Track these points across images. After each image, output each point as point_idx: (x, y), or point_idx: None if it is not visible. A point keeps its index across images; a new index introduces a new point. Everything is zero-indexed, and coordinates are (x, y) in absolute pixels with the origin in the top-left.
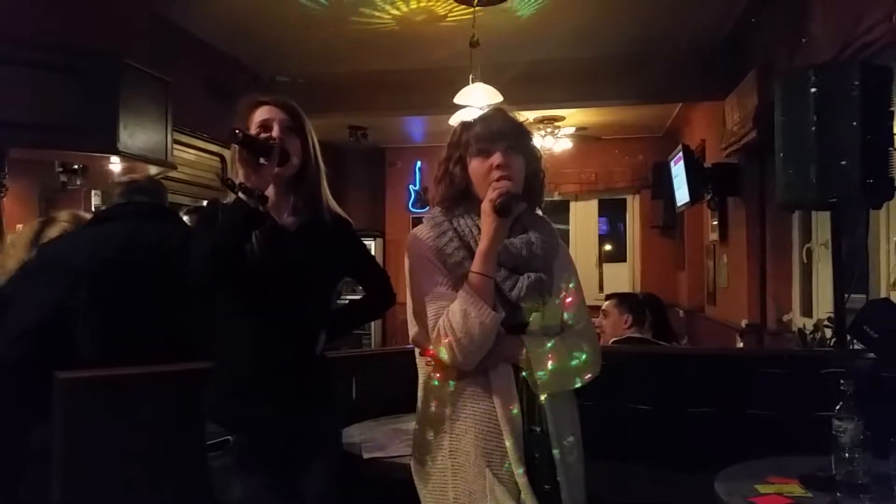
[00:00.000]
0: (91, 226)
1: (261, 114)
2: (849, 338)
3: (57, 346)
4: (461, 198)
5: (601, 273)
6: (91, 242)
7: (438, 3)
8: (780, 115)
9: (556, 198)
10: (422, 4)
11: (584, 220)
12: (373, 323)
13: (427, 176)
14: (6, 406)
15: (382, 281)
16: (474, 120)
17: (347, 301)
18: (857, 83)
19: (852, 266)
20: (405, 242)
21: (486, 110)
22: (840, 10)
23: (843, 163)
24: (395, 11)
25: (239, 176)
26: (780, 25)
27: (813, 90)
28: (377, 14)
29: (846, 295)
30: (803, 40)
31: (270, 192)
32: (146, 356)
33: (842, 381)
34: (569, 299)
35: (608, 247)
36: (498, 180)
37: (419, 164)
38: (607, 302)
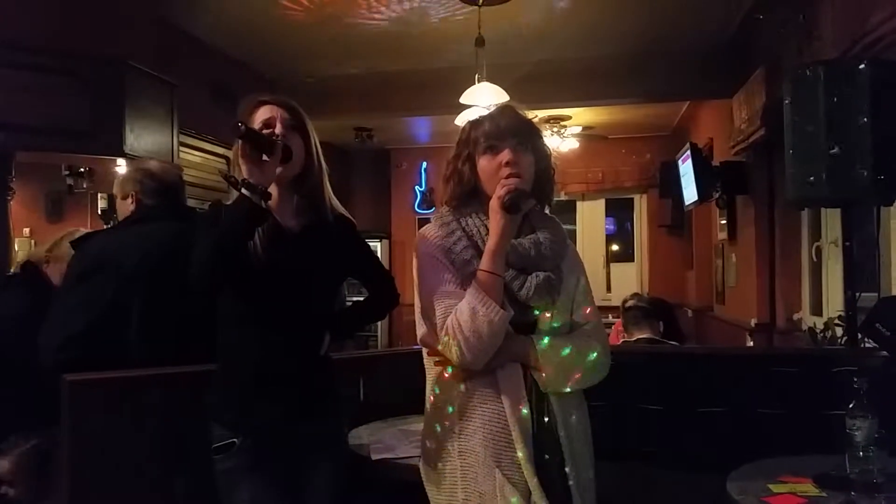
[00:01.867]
0: (134, 224)
1: (262, 113)
2: (860, 336)
3: (105, 348)
4: (469, 196)
5: (608, 273)
6: (138, 242)
7: (444, 3)
8: (789, 113)
9: (563, 197)
10: (427, 4)
11: (590, 219)
12: (379, 324)
13: (433, 177)
14: (49, 410)
15: (386, 281)
16: (483, 117)
17: (352, 302)
18: (866, 79)
19: (863, 264)
20: (412, 243)
21: (493, 109)
22: (848, 7)
23: (854, 160)
24: (399, 11)
25: (242, 172)
26: (788, 22)
27: (822, 87)
28: (381, 14)
29: (857, 293)
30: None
31: (274, 193)
32: (190, 358)
33: (855, 380)
34: (578, 299)
35: (615, 247)
36: (507, 178)
37: (425, 165)
38: None
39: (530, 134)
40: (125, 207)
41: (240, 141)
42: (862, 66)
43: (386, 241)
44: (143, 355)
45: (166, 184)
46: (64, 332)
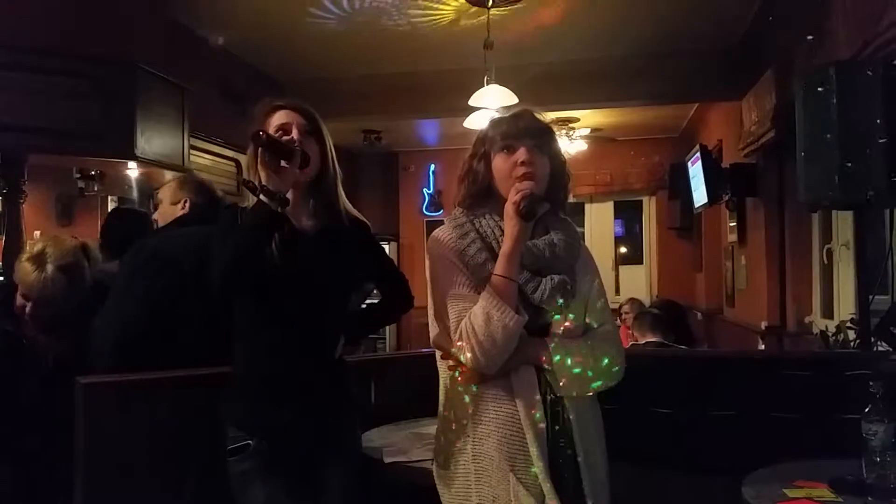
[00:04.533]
0: (191, 224)
1: (278, 118)
2: (873, 339)
3: (163, 346)
4: (483, 197)
5: (617, 276)
6: (197, 239)
7: (453, 5)
8: (800, 114)
9: (571, 199)
10: (435, 6)
11: (599, 222)
12: (388, 327)
13: (441, 179)
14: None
15: (400, 284)
16: (502, 118)
17: (366, 305)
18: (879, 81)
19: (875, 267)
20: (421, 245)
21: (503, 111)
22: (860, 8)
23: (867, 161)
24: (408, 14)
25: (260, 178)
26: (798, 23)
27: (834, 88)
28: (390, 16)
29: (870, 296)
30: (809, 37)
31: (290, 197)
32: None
33: (871, 384)
34: (591, 301)
35: (624, 249)
36: (521, 178)
37: (433, 167)
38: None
39: (547, 137)
40: (173, 212)
41: (259, 148)
42: (875, 67)
43: (394, 244)
44: (203, 354)
45: (214, 194)
46: (122, 328)
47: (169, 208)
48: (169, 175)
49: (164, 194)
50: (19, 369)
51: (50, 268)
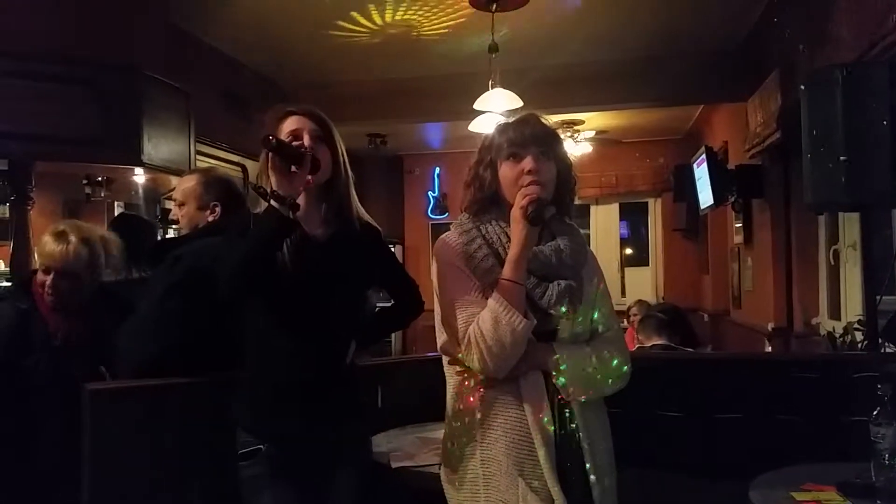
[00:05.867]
0: (220, 233)
1: (290, 124)
2: (881, 340)
3: (205, 360)
4: (489, 203)
5: (623, 278)
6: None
7: (457, 9)
8: (806, 116)
9: (577, 201)
10: (441, 10)
11: (604, 223)
12: None
13: (446, 182)
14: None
15: (411, 290)
16: (508, 124)
17: (378, 308)
18: (885, 82)
19: (882, 268)
20: (426, 248)
21: (511, 115)
22: (864, 9)
23: (872, 163)
24: (412, 17)
25: (271, 184)
26: (803, 25)
27: (839, 90)
28: (396, 20)
29: (878, 297)
30: (801, 47)
31: (301, 202)
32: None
33: (879, 386)
34: (598, 305)
35: (629, 251)
36: (528, 185)
37: (438, 170)
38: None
39: (553, 142)
40: (200, 217)
41: (269, 153)
42: (881, 68)
43: (399, 247)
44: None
45: (240, 194)
46: (157, 346)
47: (196, 213)
48: (175, 180)
49: (188, 196)
50: (31, 344)
51: (73, 239)
